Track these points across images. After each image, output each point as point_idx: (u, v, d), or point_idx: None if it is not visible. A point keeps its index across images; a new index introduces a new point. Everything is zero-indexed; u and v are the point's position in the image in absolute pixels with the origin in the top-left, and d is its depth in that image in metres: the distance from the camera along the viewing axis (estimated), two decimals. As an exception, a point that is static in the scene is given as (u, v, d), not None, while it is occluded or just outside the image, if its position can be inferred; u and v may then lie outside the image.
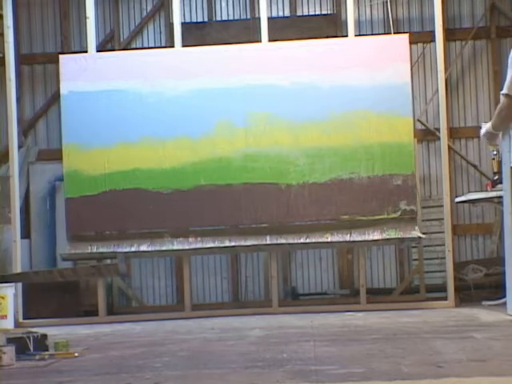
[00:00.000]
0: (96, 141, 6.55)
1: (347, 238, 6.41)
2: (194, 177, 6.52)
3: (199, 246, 6.46)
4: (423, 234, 6.98)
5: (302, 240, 6.42)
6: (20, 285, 6.50)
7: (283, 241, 6.41)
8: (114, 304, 7.47)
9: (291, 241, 6.41)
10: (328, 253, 7.63)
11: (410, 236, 6.34)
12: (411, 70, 6.78)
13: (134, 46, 7.94)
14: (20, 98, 7.69)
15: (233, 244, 6.44)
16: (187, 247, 6.48)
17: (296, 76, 6.50)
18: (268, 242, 6.42)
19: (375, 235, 6.43)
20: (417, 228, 6.37)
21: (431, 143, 7.70)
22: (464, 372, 2.99)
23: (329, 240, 6.39)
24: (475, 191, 6.97)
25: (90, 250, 6.49)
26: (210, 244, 6.46)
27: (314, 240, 6.41)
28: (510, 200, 5.34)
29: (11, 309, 5.76)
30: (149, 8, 7.96)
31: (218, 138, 6.53)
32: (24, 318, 6.45)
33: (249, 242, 6.43)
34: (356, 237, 6.41)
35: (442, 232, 6.67)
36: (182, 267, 6.70)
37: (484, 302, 6.40)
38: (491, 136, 5.55)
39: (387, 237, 6.35)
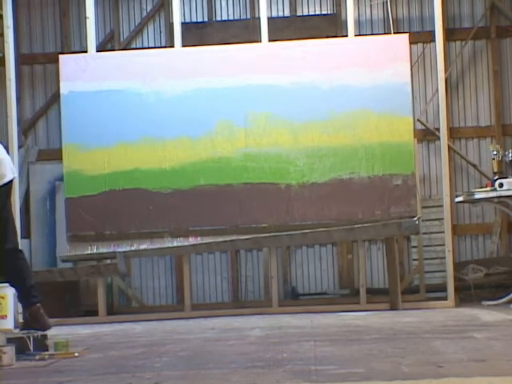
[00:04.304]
0: (96, 141, 6.55)
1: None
2: (194, 177, 6.53)
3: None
4: (423, 233, 7.00)
5: (301, 238, 6.43)
6: (20, 285, 6.49)
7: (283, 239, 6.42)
8: (114, 304, 7.47)
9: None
10: (328, 253, 7.63)
11: (407, 220, 6.30)
12: (411, 70, 6.79)
13: (134, 45, 7.94)
14: (20, 98, 7.69)
15: (232, 245, 6.45)
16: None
17: (296, 76, 6.50)
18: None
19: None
20: (415, 218, 6.35)
21: (431, 143, 7.71)
22: (464, 372, 2.98)
23: (328, 230, 6.35)
24: (475, 191, 6.96)
25: (89, 251, 6.49)
26: (209, 244, 6.48)
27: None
28: None
29: (11, 309, 5.74)
30: (149, 8, 7.96)
31: (217, 138, 6.53)
32: (24, 318, 6.44)
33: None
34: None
35: (442, 232, 6.67)
36: (182, 267, 6.70)
37: (484, 302, 6.40)
38: None
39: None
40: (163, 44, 7.87)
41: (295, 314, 6.21)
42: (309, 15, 7.86)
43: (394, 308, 6.27)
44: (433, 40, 6.99)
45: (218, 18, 7.92)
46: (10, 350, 3.79)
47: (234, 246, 6.65)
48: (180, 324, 5.90)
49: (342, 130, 6.46)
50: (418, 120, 7.60)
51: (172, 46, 6.92)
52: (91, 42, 6.69)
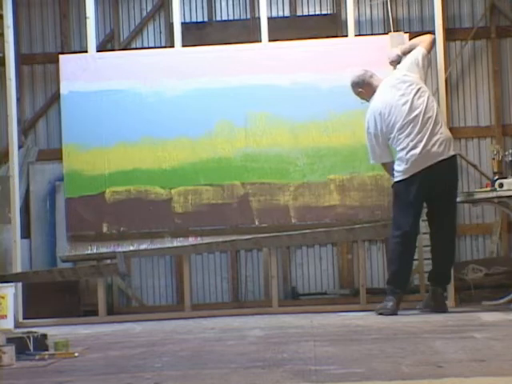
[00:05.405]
0: (96, 141, 6.55)
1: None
2: (194, 177, 6.53)
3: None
4: (423, 233, 6.98)
5: (301, 238, 6.43)
6: (20, 285, 6.50)
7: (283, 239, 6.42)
8: (114, 304, 7.47)
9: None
10: (328, 253, 7.63)
11: None
12: (411, 69, 6.77)
13: (134, 45, 7.94)
14: (20, 98, 7.68)
15: (232, 245, 6.45)
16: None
17: (296, 76, 6.49)
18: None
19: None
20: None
21: (431, 143, 7.69)
22: (464, 372, 2.98)
23: (328, 230, 6.36)
24: (475, 191, 6.96)
25: (89, 251, 6.49)
26: (209, 244, 6.48)
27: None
28: None
29: (11, 309, 5.75)
30: (149, 8, 7.96)
31: (217, 138, 6.52)
32: (24, 318, 6.45)
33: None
34: (356, 236, 6.46)
35: (442, 232, 6.66)
36: (182, 267, 6.70)
37: (484, 302, 6.40)
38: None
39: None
40: (163, 44, 7.86)
41: (295, 314, 6.21)
42: (309, 15, 7.86)
43: (394, 308, 6.26)
44: (433, 40, 6.98)
45: (218, 18, 7.92)
46: (10, 350, 3.79)
47: (233, 246, 6.65)
48: (180, 324, 5.90)
49: (341, 130, 6.45)
50: (418, 120, 7.59)
51: (172, 46, 6.91)
52: (91, 42, 6.69)
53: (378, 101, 5.92)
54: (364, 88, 6.03)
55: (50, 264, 7.33)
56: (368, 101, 6.01)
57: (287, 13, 7.86)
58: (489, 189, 6.30)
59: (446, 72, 6.98)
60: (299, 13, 7.87)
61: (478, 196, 6.39)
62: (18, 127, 6.89)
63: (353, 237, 6.56)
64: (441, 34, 6.58)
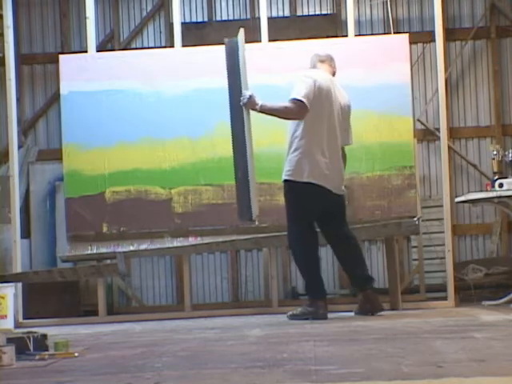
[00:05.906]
0: (96, 141, 6.55)
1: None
2: (194, 177, 6.52)
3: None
4: (423, 233, 7.00)
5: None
6: (20, 285, 6.50)
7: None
8: (114, 304, 7.47)
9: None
10: (328, 253, 7.61)
11: (407, 220, 6.29)
12: (411, 70, 6.79)
13: (134, 46, 7.95)
14: (20, 98, 7.69)
15: (232, 245, 6.45)
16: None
17: (296, 76, 6.48)
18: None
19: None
20: (415, 218, 6.34)
21: (431, 143, 7.71)
22: (464, 372, 2.98)
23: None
24: (475, 191, 6.97)
25: (89, 251, 6.49)
26: (209, 244, 6.47)
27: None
28: None
29: (11, 309, 5.75)
30: (149, 8, 7.97)
31: (217, 138, 6.52)
32: (24, 318, 6.45)
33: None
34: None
35: (442, 232, 6.67)
36: (182, 267, 6.70)
37: (484, 302, 6.40)
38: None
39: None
40: (163, 44, 7.87)
41: (295, 314, 6.19)
42: (309, 15, 7.86)
43: (394, 308, 6.27)
44: (433, 40, 6.99)
45: (218, 18, 7.92)
46: (10, 350, 3.78)
47: (233, 246, 6.65)
48: (180, 324, 5.90)
49: (342, 130, 6.44)
50: (418, 120, 7.60)
51: (172, 46, 6.92)
52: (91, 41, 6.69)
53: (340, 94, 5.81)
54: (319, 63, 5.85)
55: (50, 264, 7.34)
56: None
57: (287, 13, 7.87)
58: (489, 189, 6.30)
59: (446, 72, 6.98)
60: (299, 13, 7.88)
61: (477, 196, 6.40)
62: (18, 127, 6.90)
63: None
64: (441, 34, 6.58)
